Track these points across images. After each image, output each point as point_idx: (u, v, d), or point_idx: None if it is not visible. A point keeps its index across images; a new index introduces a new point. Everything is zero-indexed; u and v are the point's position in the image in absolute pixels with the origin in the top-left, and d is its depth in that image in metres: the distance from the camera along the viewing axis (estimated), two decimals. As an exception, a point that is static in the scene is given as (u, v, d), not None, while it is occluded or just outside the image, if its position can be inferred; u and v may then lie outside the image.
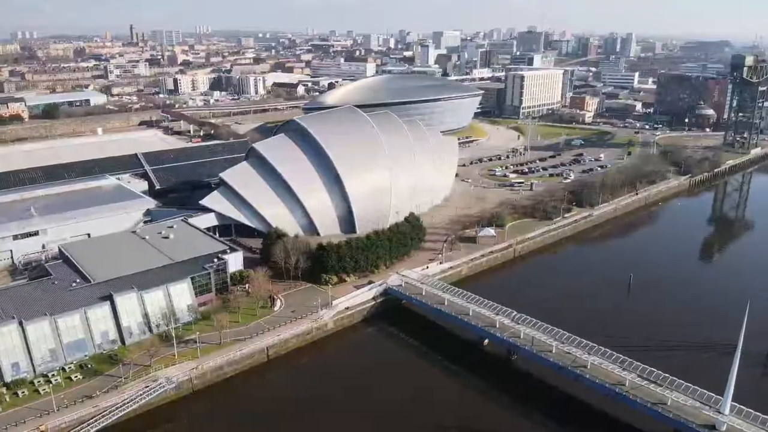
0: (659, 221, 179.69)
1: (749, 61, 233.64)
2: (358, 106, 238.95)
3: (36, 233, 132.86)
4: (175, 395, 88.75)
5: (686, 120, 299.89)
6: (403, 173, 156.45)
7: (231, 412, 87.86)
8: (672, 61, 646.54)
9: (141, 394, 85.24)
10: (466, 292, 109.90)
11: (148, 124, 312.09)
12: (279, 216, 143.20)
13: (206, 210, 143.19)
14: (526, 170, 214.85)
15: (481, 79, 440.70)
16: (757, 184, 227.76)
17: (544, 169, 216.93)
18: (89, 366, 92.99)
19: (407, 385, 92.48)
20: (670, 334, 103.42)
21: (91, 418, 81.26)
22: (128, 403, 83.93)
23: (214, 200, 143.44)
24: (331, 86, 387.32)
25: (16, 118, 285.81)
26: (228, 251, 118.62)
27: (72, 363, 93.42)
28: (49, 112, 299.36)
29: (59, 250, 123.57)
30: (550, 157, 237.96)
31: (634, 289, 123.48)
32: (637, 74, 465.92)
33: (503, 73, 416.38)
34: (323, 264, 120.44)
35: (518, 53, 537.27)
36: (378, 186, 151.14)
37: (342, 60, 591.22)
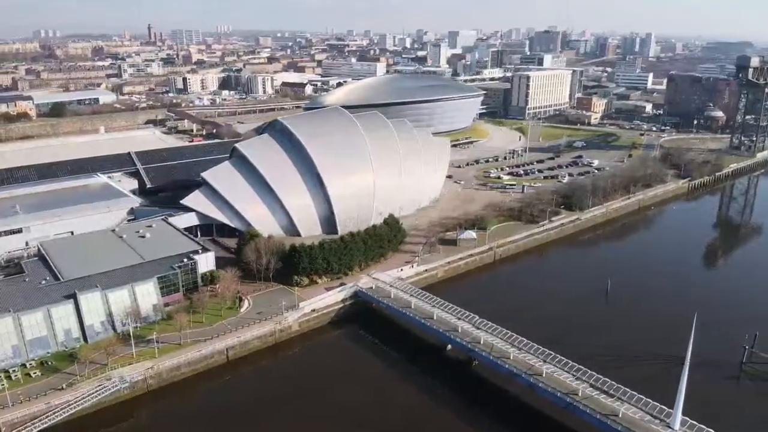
0: (650, 226, 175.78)
1: (755, 62, 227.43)
2: (357, 106, 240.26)
3: (19, 231, 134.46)
4: (129, 394, 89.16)
5: (695, 122, 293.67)
6: (388, 174, 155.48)
7: (183, 413, 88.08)
8: (691, 62, 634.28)
9: (93, 393, 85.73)
10: (433, 296, 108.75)
11: (154, 123, 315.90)
12: (260, 216, 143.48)
13: (188, 210, 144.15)
14: (522, 172, 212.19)
15: (492, 79, 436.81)
16: (762, 188, 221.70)
17: (540, 171, 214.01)
18: (50, 363, 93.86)
19: (365, 388, 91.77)
20: (637, 343, 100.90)
21: (43, 415, 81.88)
22: (80, 401, 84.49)
23: (195, 200, 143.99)
24: (339, 86, 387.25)
25: (24, 116, 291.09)
26: (200, 251, 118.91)
27: (33, 360, 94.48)
28: (56, 111, 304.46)
29: (38, 247, 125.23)
30: (549, 159, 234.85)
31: (612, 295, 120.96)
32: (651, 75, 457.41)
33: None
34: (295, 265, 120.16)
35: (529, 53, 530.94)
36: (361, 187, 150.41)
37: (353, 60, 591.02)
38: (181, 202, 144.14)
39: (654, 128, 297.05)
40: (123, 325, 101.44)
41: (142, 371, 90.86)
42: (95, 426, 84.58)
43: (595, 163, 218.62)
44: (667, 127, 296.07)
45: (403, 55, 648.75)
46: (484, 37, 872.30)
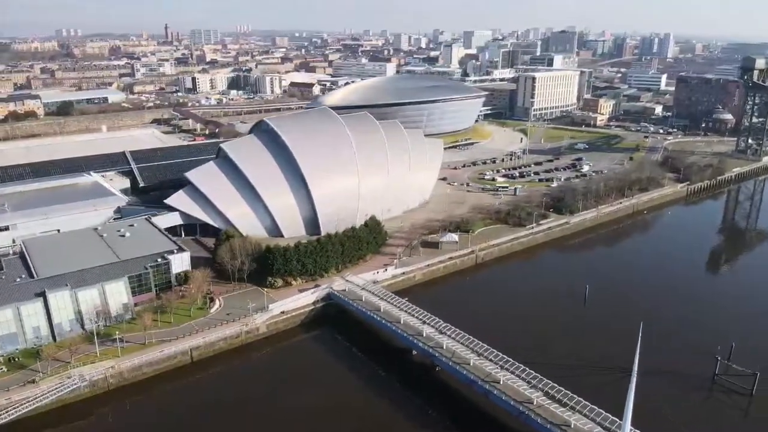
0: (640, 231, 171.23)
1: (760, 63, 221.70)
2: (356, 107, 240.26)
3: (6, 228, 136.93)
4: (89, 393, 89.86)
5: (703, 125, 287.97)
6: (374, 176, 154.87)
7: (141, 413, 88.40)
8: (709, 63, 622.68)
9: (53, 390, 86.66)
10: (402, 300, 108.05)
11: (159, 122, 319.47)
12: (243, 216, 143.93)
13: (173, 209, 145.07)
14: (517, 174, 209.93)
15: (502, 80, 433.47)
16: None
17: (536, 173, 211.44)
18: (17, 359, 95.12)
19: (325, 392, 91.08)
20: (606, 352, 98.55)
21: (3, 410, 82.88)
22: (40, 397, 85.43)
23: (179, 200, 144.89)
24: (346, 86, 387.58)
25: (31, 115, 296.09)
26: (175, 251, 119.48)
27: (2, 356, 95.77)
28: (64, 110, 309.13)
29: (21, 244, 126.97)
30: (548, 161, 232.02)
31: (589, 301, 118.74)
32: (664, 76, 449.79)
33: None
34: (269, 267, 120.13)
35: (539, 53, 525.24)
36: (345, 189, 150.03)
37: (363, 60, 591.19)
38: (165, 201, 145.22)
39: (661, 130, 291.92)
40: (92, 323, 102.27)
41: (102, 370, 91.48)
42: (55, 423, 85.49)
43: (585, 168, 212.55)
44: (674, 130, 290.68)
45: (415, 56, 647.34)
46: (500, 38, 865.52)
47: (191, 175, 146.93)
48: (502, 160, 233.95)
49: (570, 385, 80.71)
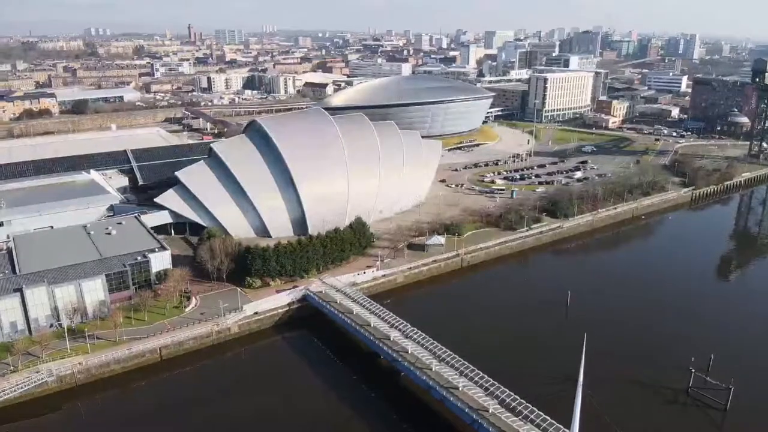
0: (637, 237, 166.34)
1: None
2: (360, 107, 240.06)
3: (1, 224, 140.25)
4: (56, 388, 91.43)
5: (717, 128, 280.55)
6: (364, 177, 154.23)
7: (106, 409, 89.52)
8: (735, 65, 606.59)
9: (20, 384, 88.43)
10: (374, 303, 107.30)
11: (171, 121, 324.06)
12: (231, 216, 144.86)
13: (163, 207, 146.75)
14: (518, 177, 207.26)
15: (518, 80, 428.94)
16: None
17: (538, 176, 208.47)
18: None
19: (286, 394, 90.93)
20: (575, 361, 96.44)
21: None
22: (8, 390, 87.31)
23: (169, 198, 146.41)
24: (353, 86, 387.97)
25: (46, 113, 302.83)
26: (156, 250, 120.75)
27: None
28: (78, 108, 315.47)
29: (11, 240, 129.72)
30: (552, 163, 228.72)
31: (571, 308, 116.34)
32: (685, 78, 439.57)
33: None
34: (248, 267, 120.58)
35: (555, 54, 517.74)
36: (334, 190, 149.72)
37: (380, 60, 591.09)
38: (154, 200, 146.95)
39: (674, 133, 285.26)
40: (68, 320, 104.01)
41: (70, 366, 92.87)
42: (22, 415, 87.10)
43: (578, 174, 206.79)
44: (688, 133, 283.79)
45: (432, 56, 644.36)
46: (522, 38, 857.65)
47: (181, 174, 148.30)
48: (506, 162, 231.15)
49: (531, 394, 78.99)
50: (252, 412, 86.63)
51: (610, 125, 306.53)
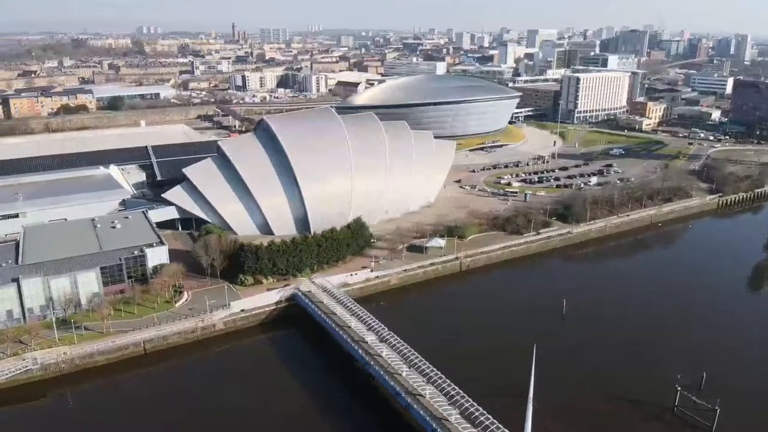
0: (652, 246, 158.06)
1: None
2: (380, 107, 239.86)
3: (17, 215, 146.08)
4: (41, 376, 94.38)
5: (757, 132, 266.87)
6: (369, 177, 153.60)
7: (86, 399, 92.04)
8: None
9: (5, 371, 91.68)
10: (357, 305, 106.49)
11: (203, 118, 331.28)
12: (235, 213, 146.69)
13: (170, 203, 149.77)
14: (536, 179, 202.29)
15: (554, 80, 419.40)
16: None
17: (557, 179, 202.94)
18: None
19: (261, 393, 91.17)
20: (554, 374, 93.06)
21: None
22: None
23: (176, 194, 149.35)
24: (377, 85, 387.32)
25: (82, 108, 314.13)
26: (154, 245, 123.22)
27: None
28: (114, 104, 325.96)
29: (23, 231, 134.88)
30: (575, 166, 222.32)
31: (567, 319, 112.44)
32: (731, 80, 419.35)
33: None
34: (241, 264, 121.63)
35: (596, 53, 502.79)
36: (337, 190, 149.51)
37: (415, 59, 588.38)
38: (162, 195, 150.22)
39: (711, 137, 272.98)
40: (62, 310, 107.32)
41: (55, 355, 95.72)
42: (7, 401, 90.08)
43: (594, 180, 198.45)
44: (726, 137, 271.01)
45: (468, 54, 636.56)
46: (566, 37, 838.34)
47: (188, 170, 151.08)
48: (527, 163, 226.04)
49: (496, 406, 76.63)
50: (221, 410, 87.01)
51: (644, 127, 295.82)
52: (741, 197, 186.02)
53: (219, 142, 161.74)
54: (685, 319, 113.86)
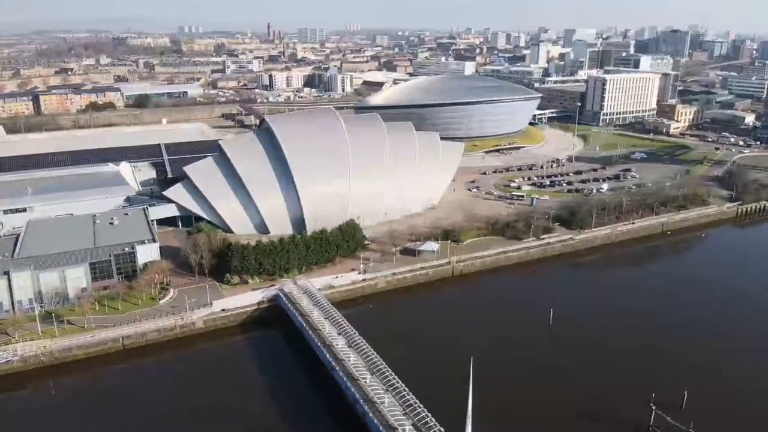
0: (658, 255, 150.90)
1: None
2: (395, 107, 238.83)
3: (24, 210, 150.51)
4: (21, 367, 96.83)
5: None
6: (367, 179, 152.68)
7: (63, 392, 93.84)
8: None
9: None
10: (333, 308, 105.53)
11: (227, 117, 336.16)
12: (233, 212, 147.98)
13: (171, 201, 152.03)
14: (547, 183, 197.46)
15: (585, 81, 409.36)
16: None
17: (570, 183, 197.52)
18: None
19: (226, 392, 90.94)
20: (525, 387, 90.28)
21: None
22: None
23: (176, 192, 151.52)
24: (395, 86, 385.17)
25: (110, 106, 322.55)
26: (146, 242, 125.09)
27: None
28: (140, 102, 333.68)
29: (26, 225, 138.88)
30: (592, 170, 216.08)
31: (553, 329, 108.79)
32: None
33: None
34: (227, 263, 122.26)
35: (630, 53, 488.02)
36: (335, 190, 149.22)
37: (444, 59, 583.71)
38: (163, 193, 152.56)
39: (741, 142, 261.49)
40: (49, 304, 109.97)
41: (35, 348, 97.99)
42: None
43: (605, 186, 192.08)
44: (756, 142, 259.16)
45: (499, 54, 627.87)
46: (605, 36, 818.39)
47: (189, 169, 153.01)
48: (542, 167, 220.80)
49: (451, 416, 74.56)
50: (191, 408, 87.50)
51: (671, 131, 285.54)
52: (762, 206, 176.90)
53: (220, 141, 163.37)
54: (672, 335, 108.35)
